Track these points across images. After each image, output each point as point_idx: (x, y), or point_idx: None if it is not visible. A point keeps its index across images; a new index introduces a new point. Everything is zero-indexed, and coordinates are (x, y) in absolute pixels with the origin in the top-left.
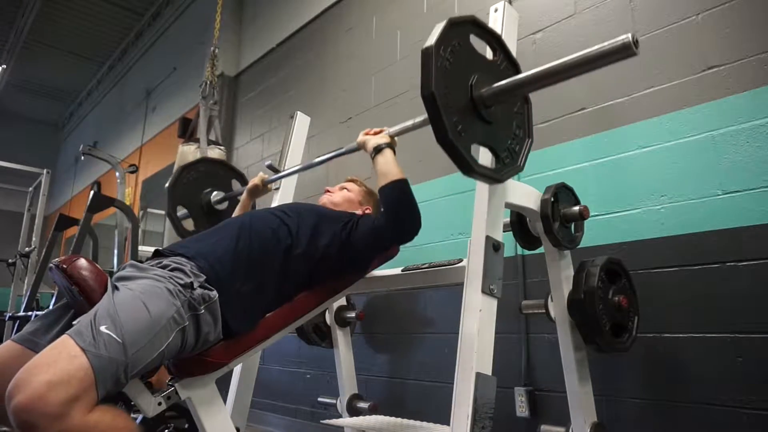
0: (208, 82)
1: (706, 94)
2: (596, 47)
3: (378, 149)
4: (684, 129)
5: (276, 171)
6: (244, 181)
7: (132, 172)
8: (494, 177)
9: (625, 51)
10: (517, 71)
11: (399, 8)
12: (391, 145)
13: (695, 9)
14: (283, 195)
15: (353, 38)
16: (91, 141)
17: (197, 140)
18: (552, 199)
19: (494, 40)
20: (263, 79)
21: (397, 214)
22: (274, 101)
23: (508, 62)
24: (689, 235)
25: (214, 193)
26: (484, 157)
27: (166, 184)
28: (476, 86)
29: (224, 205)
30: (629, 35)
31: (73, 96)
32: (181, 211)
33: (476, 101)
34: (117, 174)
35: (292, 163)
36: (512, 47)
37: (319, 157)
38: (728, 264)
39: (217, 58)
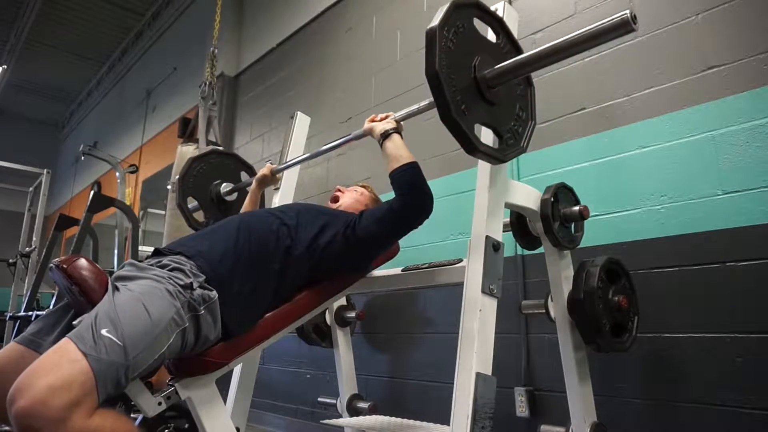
0: (208, 83)
1: (706, 94)
2: (595, 24)
3: (386, 134)
4: (684, 129)
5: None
6: (252, 173)
7: (132, 172)
8: (497, 156)
9: (624, 27)
10: (520, 53)
11: (399, 8)
12: (398, 130)
13: (695, 9)
14: (284, 195)
15: (353, 38)
16: (91, 141)
17: (197, 140)
18: (552, 199)
19: (497, 23)
20: (263, 79)
21: (412, 195)
22: (274, 101)
23: (510, 45)
24: (689, 235)
25: (224, 184)
26: (486, 138)
27: (177, 176)
28: (479, 67)
29: (234, 197)
30: (627, 12)
31: (73, 96)
32: (192, 203)
33: (480, 82)
34: (117, 174)
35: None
36: None
37: (325, 145)
38: (728, 264)
39: (217, 59)
